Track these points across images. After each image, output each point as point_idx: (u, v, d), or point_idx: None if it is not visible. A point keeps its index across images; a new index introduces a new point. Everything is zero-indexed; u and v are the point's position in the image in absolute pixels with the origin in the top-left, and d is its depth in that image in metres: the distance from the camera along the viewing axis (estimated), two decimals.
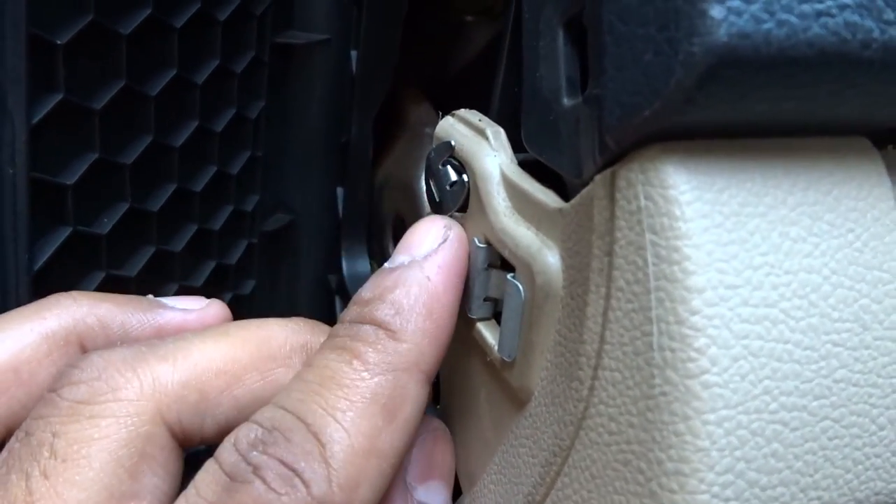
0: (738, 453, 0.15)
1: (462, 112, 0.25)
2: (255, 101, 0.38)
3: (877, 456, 0.17)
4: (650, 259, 0.16)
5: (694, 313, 0.15)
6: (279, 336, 0.23)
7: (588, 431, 0.18)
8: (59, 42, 0.27)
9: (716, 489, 0.15)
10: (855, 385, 0.16)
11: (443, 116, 0.26)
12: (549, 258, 0.19)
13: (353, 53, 0.39)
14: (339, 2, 0.39)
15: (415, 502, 0.22)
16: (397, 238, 0.31)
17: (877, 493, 0.17)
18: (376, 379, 0.20)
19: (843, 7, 0.14)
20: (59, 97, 0.27)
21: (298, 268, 0.44)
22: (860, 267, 0.17)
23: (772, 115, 0.16)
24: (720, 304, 0.15)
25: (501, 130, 0.23)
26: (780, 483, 0.16)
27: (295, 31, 0.39)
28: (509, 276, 0.21)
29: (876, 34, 0.15)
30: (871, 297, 0.17)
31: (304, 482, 0.18)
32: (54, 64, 0.27)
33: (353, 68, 0.39)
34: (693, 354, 0.15)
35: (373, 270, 0.31)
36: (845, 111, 0.16)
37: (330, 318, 0.32)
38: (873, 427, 0.17)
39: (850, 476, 0.17)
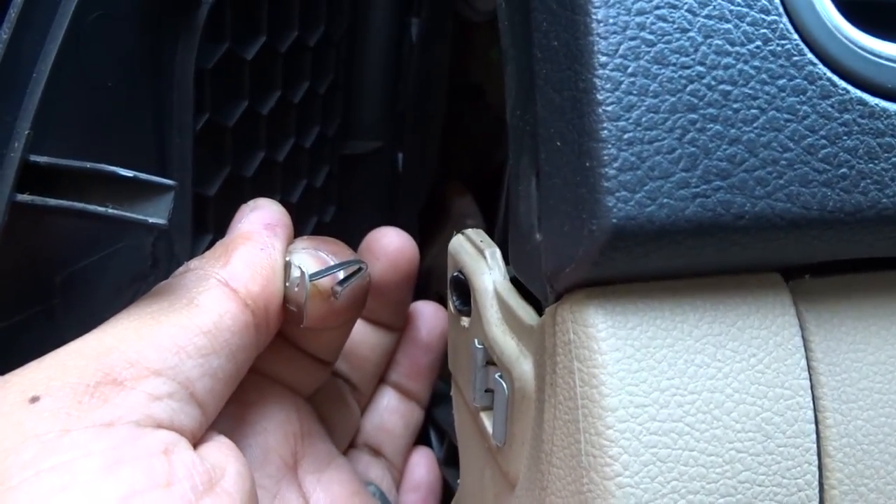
0: None
1: (469, 231, 0.30)
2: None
3: None
4: (577, 381, 0.20)
5: (608, 427, 0.19)
6: None
7: None
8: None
9: None
10: (759, 485, 0.20)
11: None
12: (525, 367, 0.24)
13: (399, 156, 0.45)
14: (388, 112, 0.44)
15: None
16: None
17: None
18: None
19: (717, 189, 0.18)
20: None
21: None
22: (762, 385, 0.20)
23: (675, 266, 0.19)
24: (630, 421, 0.19)
25: (497, 250, 0.28)
26: None
27: (355, 142, 0.45)
28: (497, 375, 0.25)
29: (748, 207, 0.18)
30: (773, 410, 0.20)
31: None
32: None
33: (400, 168, 0.45)
34: (609, 461, 0.19)
35: None
36: (741, 258, 0.20)
37: None
38: None
39: None
